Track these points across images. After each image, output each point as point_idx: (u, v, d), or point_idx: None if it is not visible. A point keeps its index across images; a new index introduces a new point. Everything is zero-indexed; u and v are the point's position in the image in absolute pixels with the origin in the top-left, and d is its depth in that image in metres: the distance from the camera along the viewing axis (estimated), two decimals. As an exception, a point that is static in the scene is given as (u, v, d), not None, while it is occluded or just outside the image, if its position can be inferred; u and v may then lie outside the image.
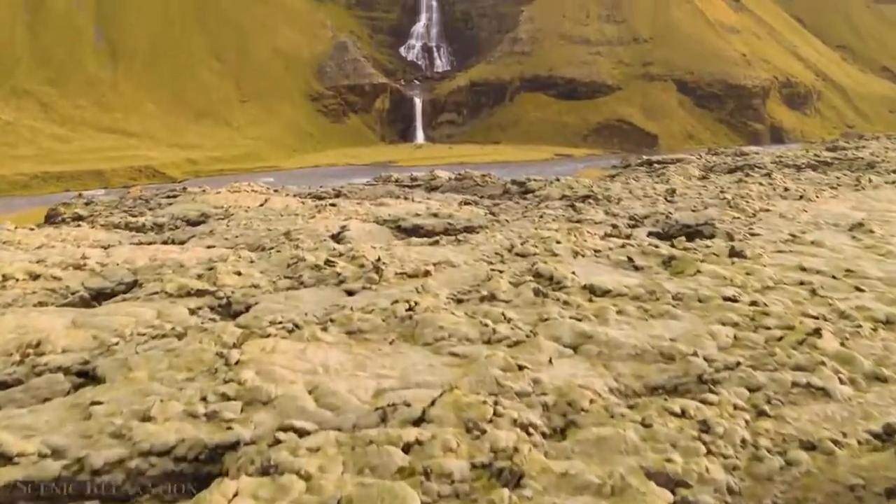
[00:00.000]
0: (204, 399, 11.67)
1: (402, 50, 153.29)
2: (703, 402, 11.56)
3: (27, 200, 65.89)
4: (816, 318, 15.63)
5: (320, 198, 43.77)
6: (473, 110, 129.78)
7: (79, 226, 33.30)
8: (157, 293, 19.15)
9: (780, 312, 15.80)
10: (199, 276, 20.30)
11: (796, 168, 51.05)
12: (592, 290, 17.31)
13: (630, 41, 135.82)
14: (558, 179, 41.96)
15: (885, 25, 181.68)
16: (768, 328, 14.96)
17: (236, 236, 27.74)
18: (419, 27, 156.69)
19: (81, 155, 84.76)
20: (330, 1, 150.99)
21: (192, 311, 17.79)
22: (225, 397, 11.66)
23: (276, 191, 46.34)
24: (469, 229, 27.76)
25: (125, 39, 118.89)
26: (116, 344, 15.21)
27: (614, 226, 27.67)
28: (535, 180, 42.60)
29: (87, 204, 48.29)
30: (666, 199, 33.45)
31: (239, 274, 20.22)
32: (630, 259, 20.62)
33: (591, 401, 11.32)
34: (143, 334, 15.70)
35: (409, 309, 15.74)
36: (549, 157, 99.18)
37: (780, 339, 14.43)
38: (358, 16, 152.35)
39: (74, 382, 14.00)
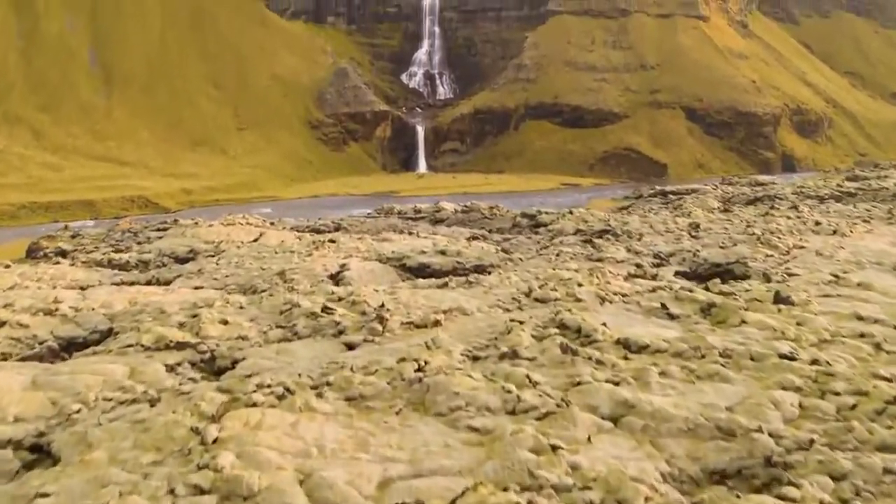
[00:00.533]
0: (172, 492, 9.73)
1: (404, 77, 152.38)
2: (782, 498, 9.61)
3: (13, 232, 64.04)
4: (890, 380, 13.70)
5: (318, 231, 42.03)
6: (477, 139, 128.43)
7: (58, 263, 31.45)
8: (132, 346, 17.25)
9: (847, 373, 13.90)
10: (181, 325, 18.41)
11: (819, 199, 49.34)
12: (627, 346, 15.39)
13: (637, 68, 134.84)
14: (571, 212, 40.16)
15: (894, 51, 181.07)
16: (837, 394, 13.04)
17: (226, 276, 25.86)
18: (421, 54, 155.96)
19: (72, 184, 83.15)
20: (330, 27, 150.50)
21: (170, 368, 15.87)
22: (197, 490, 9.72)
23: (272, 224, 44.57)
24: (480, 269, 25.88)
25: (121, 65, 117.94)
26: (78, 411, 13.28)
27: (638, 265, 25.81)
28: (546, 213, 40.82)
29: (72, 237, 46.59)
30: (690, 234, 31.62)
31: (225, 323, 18.32)
32: (664, 306, 18.71)
33: (647, 498, 9.36)
34: (110, 399, 13.76)
35: (419, 369, 13.82)
36: (555, 186, 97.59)
37: (854, 407, 12.52)
38: (359, 42, 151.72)
39: (25, 460, 12.08)
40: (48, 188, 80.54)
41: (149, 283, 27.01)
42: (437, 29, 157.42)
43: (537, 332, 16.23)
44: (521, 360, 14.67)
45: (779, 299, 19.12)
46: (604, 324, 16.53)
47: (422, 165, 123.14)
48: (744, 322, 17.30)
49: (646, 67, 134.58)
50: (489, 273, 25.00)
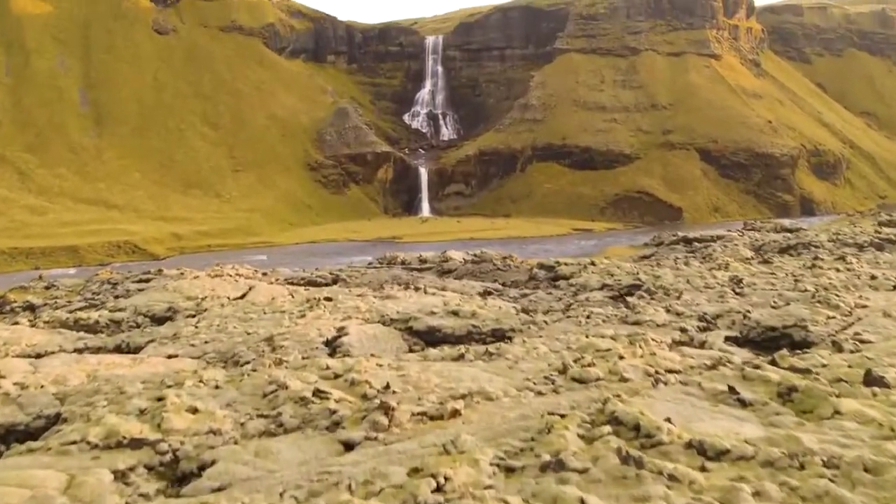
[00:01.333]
0: None
1: (407, 117, 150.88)
2: None
3: (-11, 280, 61.25)
4: None
5: (315, 283, 39.18)
6: (482, 181, 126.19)
7: (17, 323, 28.43)
8: (76, 442, 14.18)
9: None
10: (141, 413, 15.35)
11: (858, 247, 46.45)
12: (702, 451, 12.29)
13: (648, 107, 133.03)
14: (594, 263, 37.23)
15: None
16: None
17: (206, 342, 22.84)
18: (424, 94, 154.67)
19: (56, 229, 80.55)
20: (330, 65, 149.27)
21: (120, 476, 12.79)
22: None
23: (264, 274, 41.68)
24: (499, 334, 22.86)
25: (112, 104, 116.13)
26: (-15, 549, 10.21)
27: (683, 329, 22.81)
28: (565, 263, 37.88)
29: (46, 288, 43.82)
30: (734, 290, 28.62)
31: (195, 411, 15.26)
32: (732, 389, 15.63)
33: None
34: (30, 531, 10.69)
35: (437, 488, 10.76)
36: (566, 231, 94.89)
37: None
38: (360, 81, 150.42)
39: None
40: (31, 233, 77.96)
41: (117, 348, 24.02)
42: (440, 68, 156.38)
43: (585, 430, 13.14)
44: (568, 474, 11.57)
45: (871, 379, 16.03)
46: (668, 419, 13.46)
47: (425, 209, 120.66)
48: (837, 413, 14.21)
49: (657, 107, 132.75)
50: (511, 340, 21.98)
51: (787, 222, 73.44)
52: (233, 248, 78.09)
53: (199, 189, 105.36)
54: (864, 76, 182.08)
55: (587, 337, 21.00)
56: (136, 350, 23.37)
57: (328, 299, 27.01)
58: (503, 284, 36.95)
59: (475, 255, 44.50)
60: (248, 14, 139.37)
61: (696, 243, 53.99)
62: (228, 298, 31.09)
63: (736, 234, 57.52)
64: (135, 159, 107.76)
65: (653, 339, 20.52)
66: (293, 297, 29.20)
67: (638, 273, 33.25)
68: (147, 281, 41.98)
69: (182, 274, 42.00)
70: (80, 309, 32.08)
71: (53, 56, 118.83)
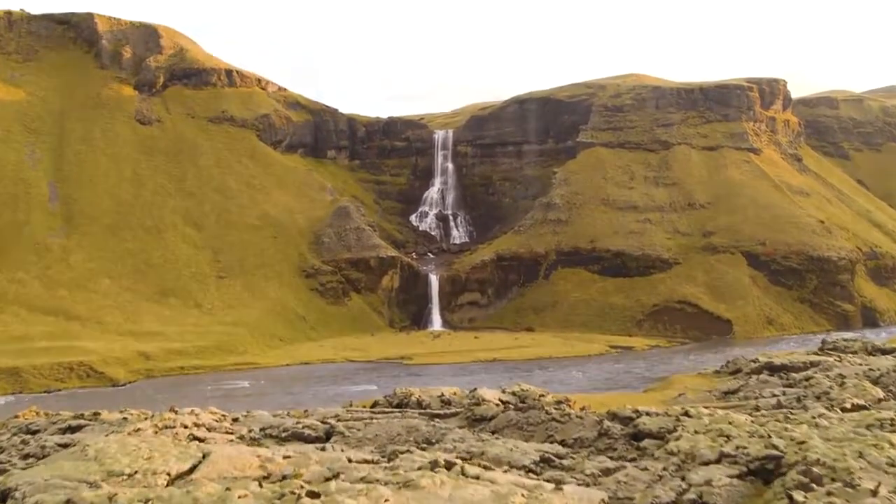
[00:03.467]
0: None
1: (414, 218, 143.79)
2: None
3: None
4: None
5: (301, 437, 30.33)
6: (501, 289, 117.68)
7: None
8: None
9: None
10: None
11: None
12: None
13: (685, 206, 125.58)
14: (688, 414, 28.10)
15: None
16: None
17: None
18: (433, 192, 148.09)
19: (3, 345, 71.72)
20: (330, 161, 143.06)
21: None
22: None
23: (234, 421, 32.71)
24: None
25: (85, 199, 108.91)
26: None
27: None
28: (647, 414, 28.80)
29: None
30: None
31: None
32: None
33: None
34: None
35: None
36: (602, 349, 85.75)
37: None
38: (362, 178, 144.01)
39: None
40: (-32, 350, 69.20)
41: None
42: (450, 165, 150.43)
43: None
44: None
45: None
46: None
47: (436, 321, 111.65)
48: None
49: (695, 206, 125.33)
50: None
51: (874, 339, 64.81)
52: (210, 371, 69.18)
53: (176, 298, 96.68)
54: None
55: None
56: None
57: (313, 495, 17.89)
58: (563, 444, 27.89)
59: (515, 395, 35.50)
60: (240, 104, 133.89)
61: (790, 373, 45.02)
62: (167, 477, 22.08)
63: (833, 360, 48.50)
64: (105, 262, 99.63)
65: None
66: (261, 483, 20.03)
67: (768, 435, 24.10)
68: (79, 428, 33.53)
69: (124, 420, 33.46)
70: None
71: (22, 146, 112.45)
